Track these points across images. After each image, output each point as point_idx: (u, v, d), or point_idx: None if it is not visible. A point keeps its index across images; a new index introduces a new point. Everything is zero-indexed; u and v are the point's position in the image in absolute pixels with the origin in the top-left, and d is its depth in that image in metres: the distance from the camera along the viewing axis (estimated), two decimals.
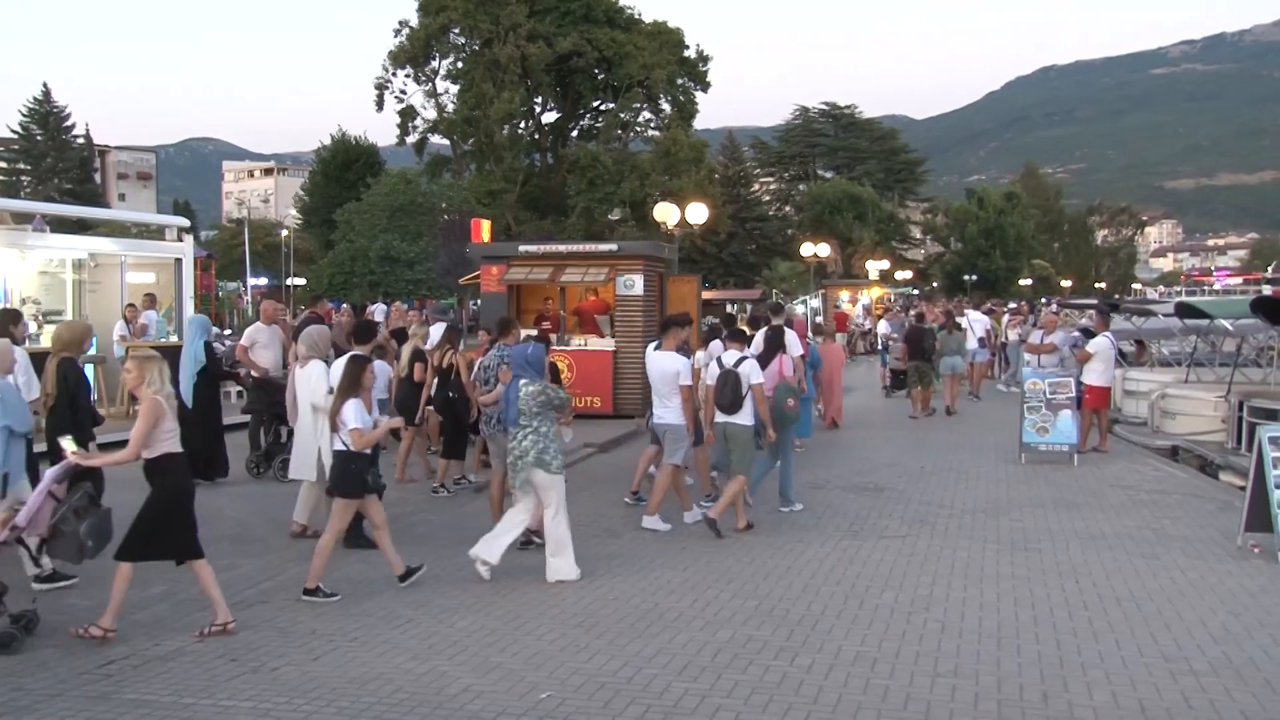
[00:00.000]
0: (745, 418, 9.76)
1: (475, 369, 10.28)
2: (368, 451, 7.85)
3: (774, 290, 58.67)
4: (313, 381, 9.27)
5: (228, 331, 24.15)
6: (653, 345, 10.69)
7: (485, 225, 24.15)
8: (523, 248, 19.28)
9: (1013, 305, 37.10)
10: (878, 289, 51.58)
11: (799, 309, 43.54)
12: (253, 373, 12.90)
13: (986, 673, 6.11)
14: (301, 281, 60.02)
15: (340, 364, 8.51)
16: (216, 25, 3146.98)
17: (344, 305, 28.41)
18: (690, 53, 59.97)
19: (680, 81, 59.69)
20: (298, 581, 8.02)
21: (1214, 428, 15.33)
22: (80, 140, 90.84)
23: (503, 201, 53.85)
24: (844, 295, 45.31)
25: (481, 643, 6.65)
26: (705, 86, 60.99)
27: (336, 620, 7.10)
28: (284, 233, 70.47)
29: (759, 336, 12.07)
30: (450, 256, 41.35)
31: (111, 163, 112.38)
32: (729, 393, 9.68)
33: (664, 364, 10.11)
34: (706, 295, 22.71)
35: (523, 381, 8.36)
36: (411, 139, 58.50)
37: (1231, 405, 14.77)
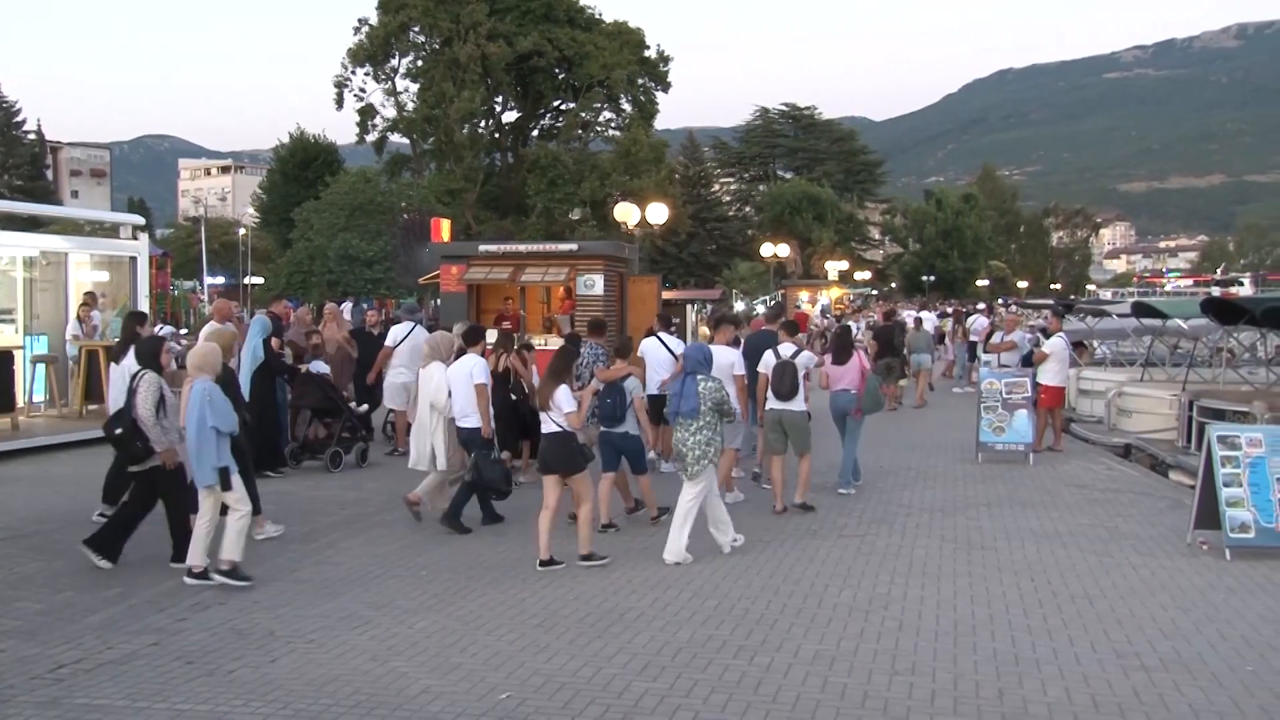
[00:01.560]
0: (800, 404, 10.72)
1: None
2: (578, 429, 8.62)
3: (734, 290, 58.89)
4: (434, 381, 10.00)
5: (184, 330, 23.88)
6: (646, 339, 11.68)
7: (445, 224, 24.02)
8: (483, 247, 19.21)
9: (981, 306, 37.91)
10: (837, 289, 51.91)
11: (759, 309, 43.73)
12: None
13: (943, 670, 6.18)
14: (259, 280, 59.44)
15: (456, 365, 9.98)
16: (173, 20, 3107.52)
17: (301, 305, 28.13)
18: (651, 53, 59.99)
19: (641, 81, 59.66)
20: (255, 583, 7.95)
21: (1169, 425, 15.59)
22: (31, 136, 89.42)
23: (463, 201, 53.58)
24: (803, 295, 45.57)
25: (441, 644, 6.63)
26: (666, 87, 61.03)
27: (294, 622, 7.05)
28: (241, 231, 69.72)
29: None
30: (410, 256, 41.12)
31: (64, 159, 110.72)
32: (788, 382, 10.57)
33: (720, 356, 10.72)
34: (667, 295, 22.75)
35: (699, 377, 8.91)
36: (371, 138, 58.00)
37: (1182, 405, 15.03)
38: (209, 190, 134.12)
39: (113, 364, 9.89)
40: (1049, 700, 5.71)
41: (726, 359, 10.87)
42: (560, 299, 19.80)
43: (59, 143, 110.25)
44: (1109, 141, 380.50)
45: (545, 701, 5.68)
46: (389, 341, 13.92)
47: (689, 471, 8.76)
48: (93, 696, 5.73)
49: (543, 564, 8.36)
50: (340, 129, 63.56)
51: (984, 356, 19.11)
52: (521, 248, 19.40)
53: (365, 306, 32.38)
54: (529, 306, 19.82)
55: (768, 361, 10.85)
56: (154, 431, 8.09)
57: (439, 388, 9.96)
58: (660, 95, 61.20)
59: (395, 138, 59.32)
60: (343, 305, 34.19)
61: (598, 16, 59.34)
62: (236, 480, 7.95)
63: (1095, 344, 24.16)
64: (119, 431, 8.17)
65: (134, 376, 8.28)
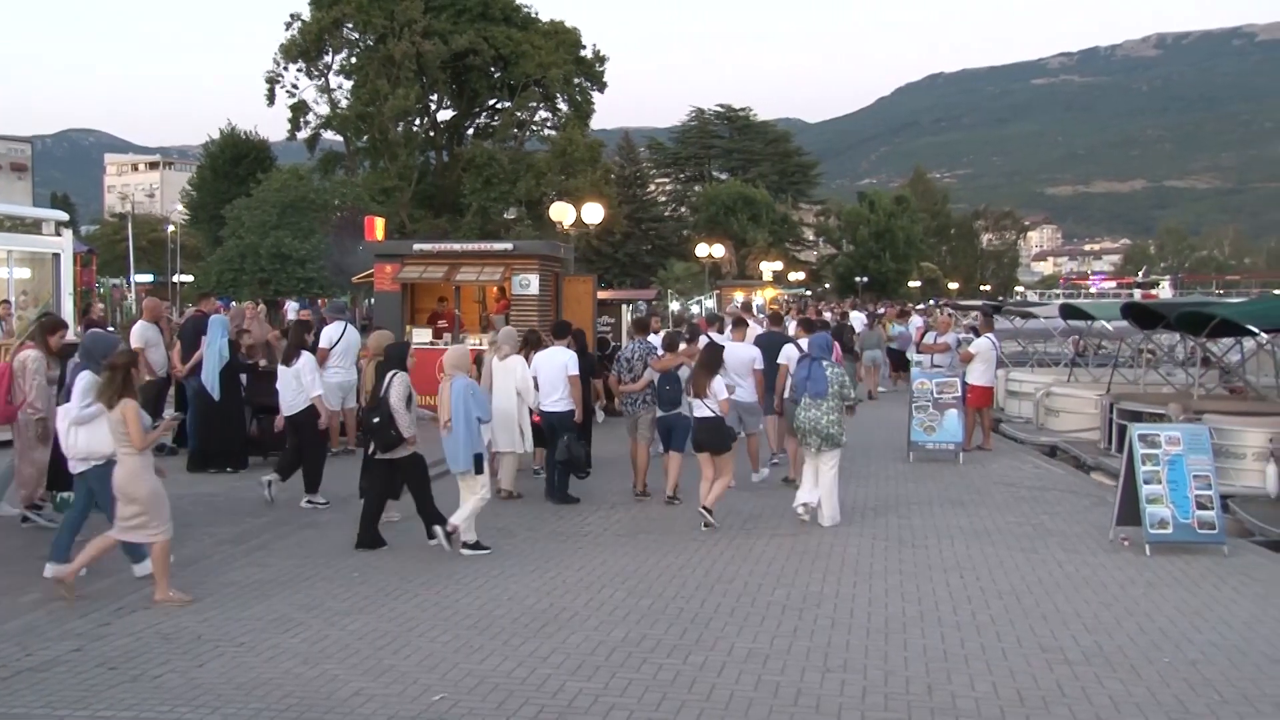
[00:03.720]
0: None
1: (618, 361, 11.93)
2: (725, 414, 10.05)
3: (670, 290, 59.02)
4: (518, 372, 10.78)
5: (110, 329, 23.27)
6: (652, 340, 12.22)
7: (379, 223, 23.73)
8: (417, 246, 19.01)
9: (921, 307, 39.04)
10: (771, 290, 52.26)
11: (694, 309, 43.94)
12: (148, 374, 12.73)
13: (874, 667, 6.26)
14: (189, 279, 58.28)
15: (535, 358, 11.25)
16: (99, 10, 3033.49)
17: (233, 302, 27.67)
18: (587, 53, 59.95)
19: (577, 81, 59.57)
20: (184, 586, 7.81)
21: (1094, 425, 15.97)
22: None
23: (397, 199, 53.09)
24: (738, 296, 45.78)
25: (373, 645, 6.57)
26: (602, 87, 61.02)
27: (222, 625, 6.94)
28: (170, 228, 68.27)
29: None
30: (343, 254, 40.61)
31: None
32: None
33: (740, 352, 12.12)
34: (602, 295, 22.69)
35: (825, 363, 10.18)
36: (303, 135, 57.20)
37: (1104, 407, 15.39)
38: (136, 186, 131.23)
39: (282, 366, 10.81)
40: (977, 695, 5.83)
41: (747, 354, 12.22)
42: (495, 298, 19.70)
43: None
44: (1036, 146, 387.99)
45: (479, 703, 5.66)
46: (324, 342, 13.72)
47: (819, 447, 9.95)
48: (10, 705, 5.58)
49: (705, 507, 9.85)
50: (272, 125, 62.61)
51: (916, 356, 19.41)
52: (456, 247, 19.24)
53: (298, 305, 31.91)
54: (464, 306, 19.68)
55: (790, 354, 11.98)
56: (404, 419, 8.89)
57: (525, 378, 10.83)
58: (596, 95, 61.21)
59: (328, 135, 58.58)
60: (287, 305, 33.66)
61: (534, 15, 59.16)
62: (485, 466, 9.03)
63: (1020, 344, 24.85)
64: (377, 420, 8.94)
65: (388, 376, 9.09)
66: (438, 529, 8.85)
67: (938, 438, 14.27)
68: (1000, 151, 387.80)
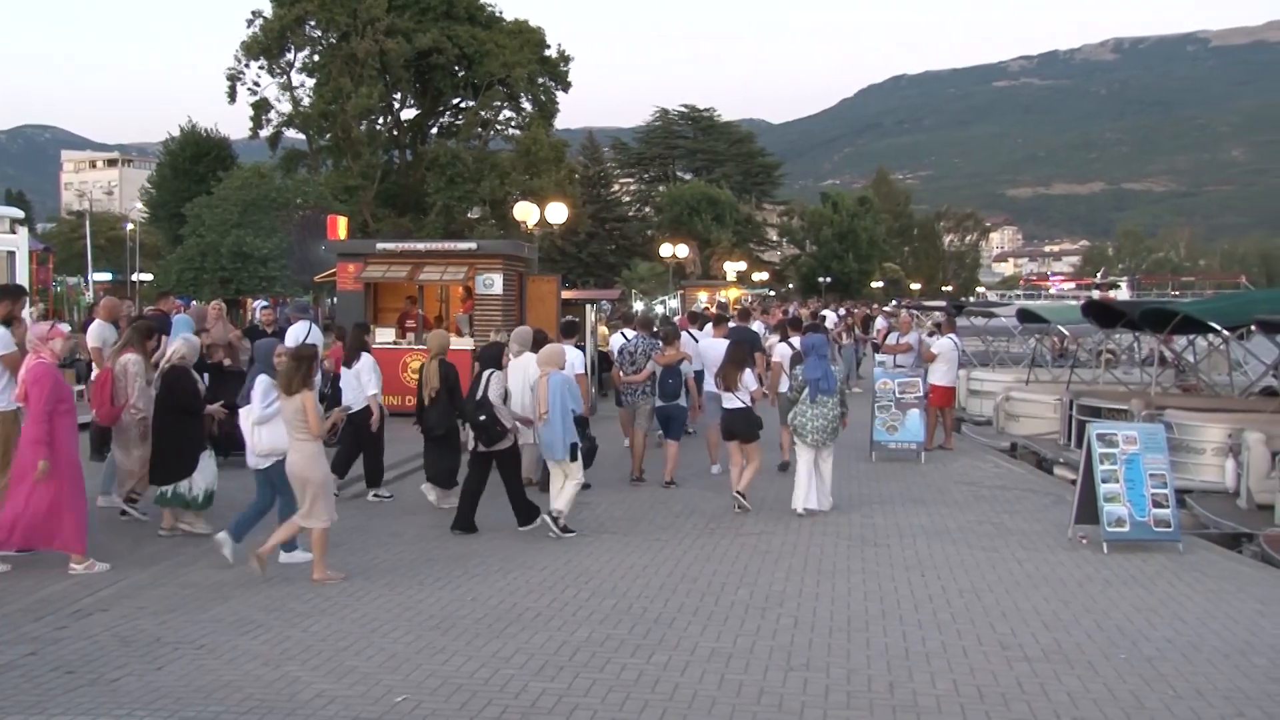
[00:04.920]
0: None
1: (621, 353, 12.58)
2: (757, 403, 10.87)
3: (633, 290, 59.03)
4: (530, 370, 10.87)
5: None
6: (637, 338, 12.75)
7: (342, 222, 23.58)
8: (380, 245, 18.93)
9: (888, 309, 39.47)
10: (735, 290, 52.42)
11: (658, 309, 44.00)
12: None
13: (837, 665, 6.31)
14: (148, 277, 57.63)
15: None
16: (55, 1, 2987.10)
17: (193, 301, 27.37)
18: (551, 52, 59.77)
19: (541, 81, 59.37)
20: (141, 588, 7.74)
21: (1054, 429, 16.14)
22: None
23: (360, 198, 52.68)
24: (702, 296, 45.88)
25: (335, 647, 6.53)
26: (566, 86, 60.86)
27: (182, 627, 6.87)
28: (129, 227, 67.43)
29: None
30: (305, 253, 40.27)
31: None
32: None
33: (721, 348, 12.37)
34: (566, 295, 22.69)
35: (835, 368, 11.01)
36: (265, 133, 56.64)
37: (1063, 403, 15.56)
38: (94, 183, 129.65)
39: (344, 368, 11.44)
40: (938, 692, 5.88)
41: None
42: (460, 298, 19.64)
43: None
44: (997, 148, 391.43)
45: (442, 704, 5.64)
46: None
47: (824, 444, 10.55)
48: None
49: (739, 492, 10.69)
50: (234, 123, 62.03)
51: (879, 357, 19.54)
52: (420, 246, 19.17)
53: (263, 304, 31.59)
54: (427, 305, 19.62)
55: (784, 353, 12.97)
56: (504, 412, 9.65)
57: (532, 374, 10.91)
58: (560, 95, 61.04)
59: (291, 133, 58.06)
60: (254, 304, 33.27)
61: (498, 15, 58.89)
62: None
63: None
64: (483, 419, 9.53)
65: (485, 375, 9.77)
66: (544, 516, 9.46)
67: (900, 437, 14.38)
68: (962, 153, 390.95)
